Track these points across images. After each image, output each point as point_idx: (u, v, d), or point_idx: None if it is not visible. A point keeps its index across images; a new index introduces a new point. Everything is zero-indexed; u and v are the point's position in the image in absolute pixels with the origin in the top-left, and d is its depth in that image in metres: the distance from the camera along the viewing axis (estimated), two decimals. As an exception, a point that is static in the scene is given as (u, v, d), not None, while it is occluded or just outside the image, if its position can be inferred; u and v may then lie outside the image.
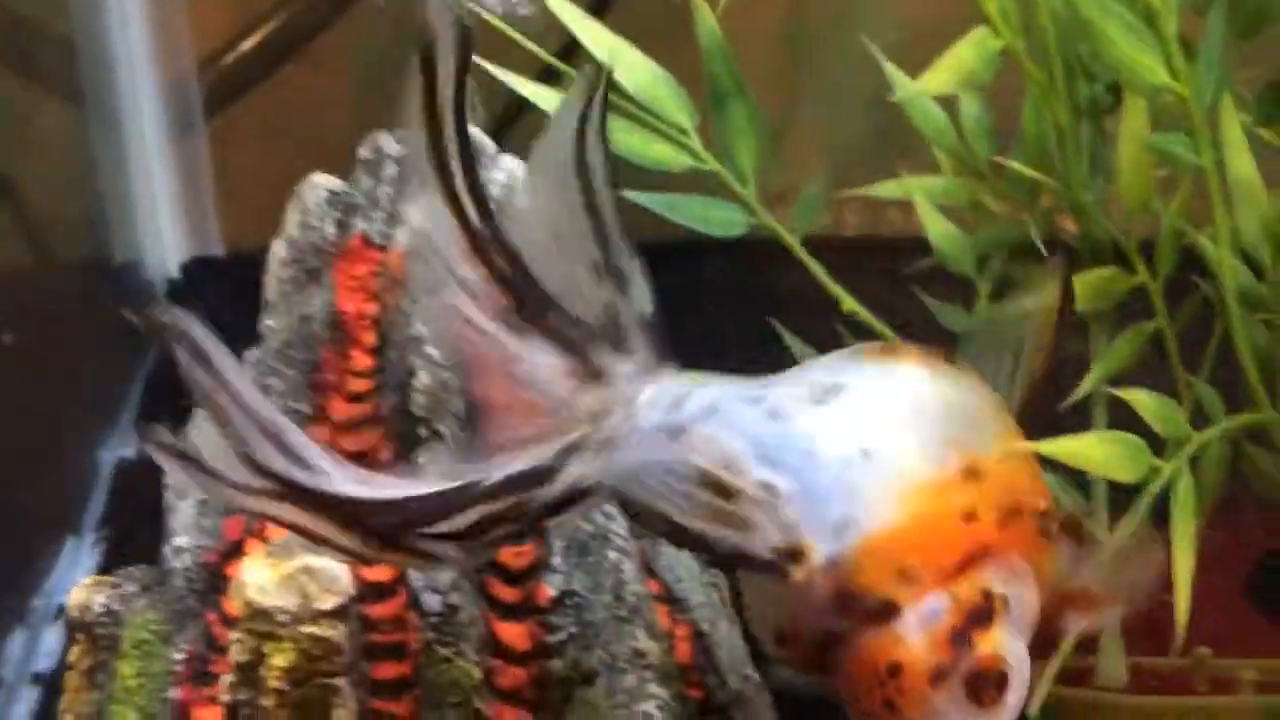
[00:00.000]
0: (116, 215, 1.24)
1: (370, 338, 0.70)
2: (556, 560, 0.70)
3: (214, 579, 0.70)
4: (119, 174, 1.23)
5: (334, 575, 0.68)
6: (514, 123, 0.93)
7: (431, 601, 0.68)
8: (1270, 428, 0.71)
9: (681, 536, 0.58)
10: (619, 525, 0.71)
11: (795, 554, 0.56)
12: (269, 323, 0.72)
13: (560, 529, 0.70)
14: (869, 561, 0.56)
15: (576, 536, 0.70)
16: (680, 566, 0.77)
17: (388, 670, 0.70)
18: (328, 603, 0.67)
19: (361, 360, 0.70)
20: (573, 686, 0.71)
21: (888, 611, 0.55)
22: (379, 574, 0.70)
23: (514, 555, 0.70)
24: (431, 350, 0.68)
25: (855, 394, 0.57)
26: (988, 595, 0.56)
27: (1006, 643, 0.55)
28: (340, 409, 0.71)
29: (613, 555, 0.71)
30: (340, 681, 0.69)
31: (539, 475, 0.58)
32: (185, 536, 0.71)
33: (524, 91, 0.75)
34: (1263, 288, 0.69)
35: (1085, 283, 0.71)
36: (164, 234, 1.25)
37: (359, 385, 0.70)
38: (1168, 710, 0.74)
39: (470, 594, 0.70)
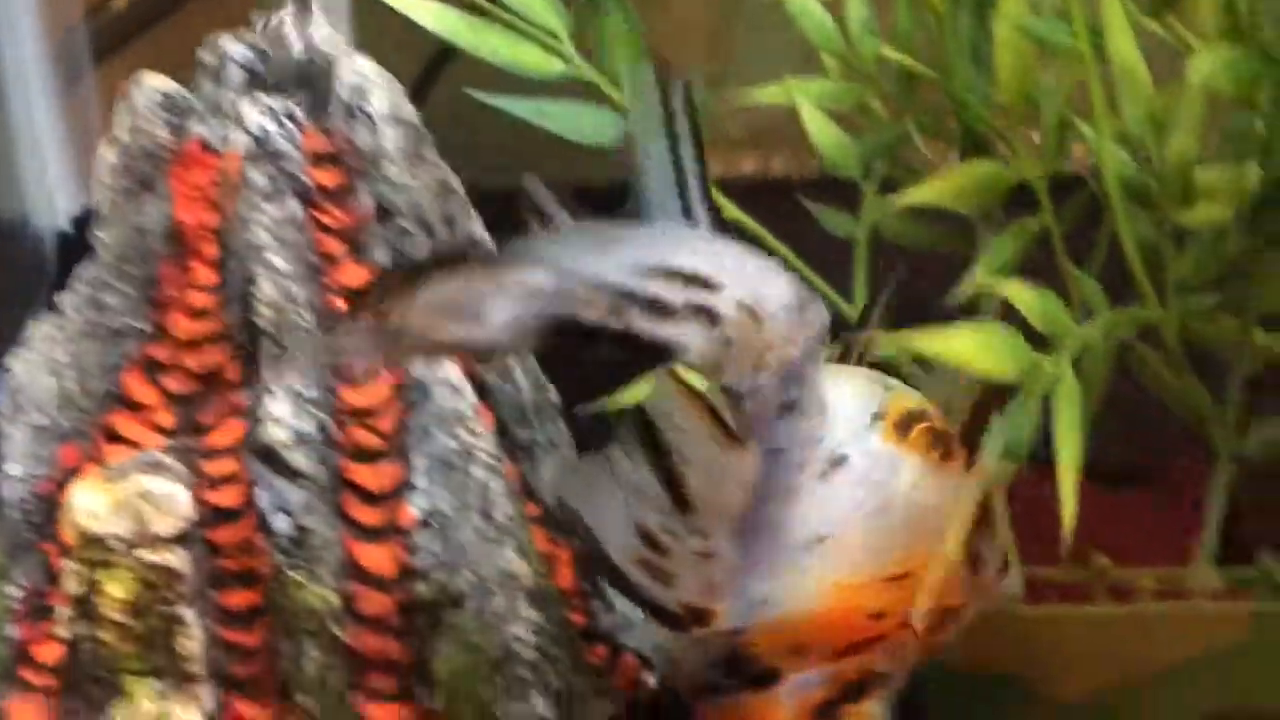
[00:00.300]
0: (1, 169, 1.20)
1: (211, 249, 0.65)
2: (419, 479, 0.66)
3: (50, 509, 0.64)
4: (2, 126, 1.18)
5: (173, 498, 0.64)
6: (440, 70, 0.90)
7: (281, 523, 0.63)
8: (1158, 324, 0.68)
9: (604, 569, 0.57)
10: (486, 442, 0.67)
11: (702, 616, 0.56)
12: (101, 235, 0.66)
13: (425, 448, 0.66)
14: (768, 636, 0.56)
15: (440, 454, 0.66)
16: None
17: (237, 598, 0.65)
18: (166, 527, 0.63)
19: (203, 274, 0.65)
20: (440, 611, 0.67)
21: (769, 678, 0.57)
22: (224, 497, 0.65)
23: (373, 474, 0.66)
24: (276, 259, 0.64)
25: (849, 477, 0.56)
26: (868, 674, 0.57)
27: (869, 716, 0.57)
28: (183, 326, 0.65)
29: (479, 474, 0.67)
30: (185, 611, 0.64)
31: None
32: (19, 465, 0.65)
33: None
34: (1148, 178, 0.66)
35: (966, 178, 0.68)
36: (52, 187, 1.20)
37: (201, 300, 0.65)
38: (1067, 619, 0.71)
39: (325, 515, 0.65)
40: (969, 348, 0.59)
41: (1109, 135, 0.65)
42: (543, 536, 0.71)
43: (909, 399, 0.58)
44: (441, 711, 0.67)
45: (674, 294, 0.51)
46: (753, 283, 0.52)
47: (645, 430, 0.55)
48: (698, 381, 0.55)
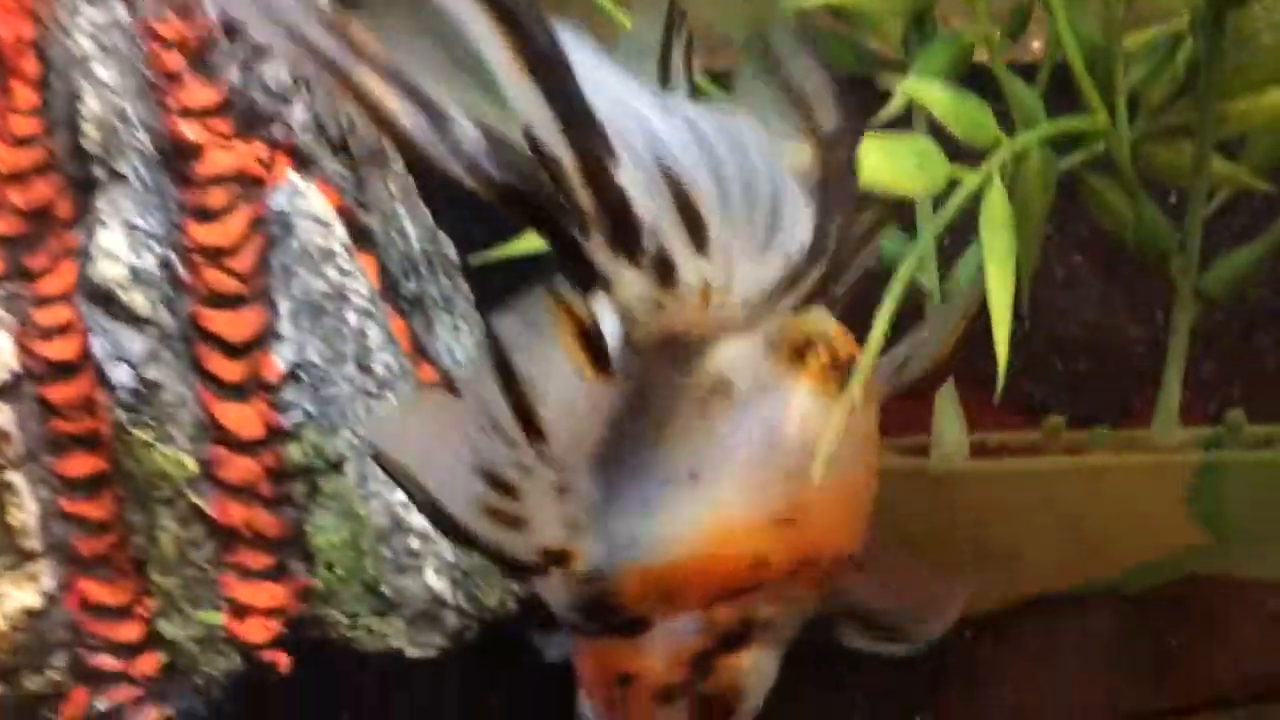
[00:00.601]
0: None
1: (32, 66, 0.56)
2: (284, 326, 0.58)
3: None
4: None
5: (-16, 344, 0.56)
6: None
7: (121, 374, 0.55)
8: (1106, 143, 0.62)
9: (442, 523, 0.47)
10: (360, 283, 0.59)
11: (560, 557, 0.48)
12: None
13: (290, 290, 0.58)
14: (635, 583, 0.49)
15: (308, 297, 0.59)
16: (459, 348, 0.66)
17: (79, 465, 0.57)
18: (-8, 375, 0.55)
19: (23, 95, 0.56)
20: (315, 476, 0.59)
21: (636, 626, 0.50)
22: (57, 349, 0.56)
23: (230, 322, 0.58)
24: (102, 70, 0.55)
25: (731, 409, 0.47)
26: (747, 623, 0.51)
27: (750, 668, 0.51)
28: (5, 157, 0.57)
29: (354, 318, 0.59)
30: (14, 477, 0.56)
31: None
32: None
33: None
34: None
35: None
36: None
37: (24, 126, 0.56)
38: (1012, 475, 0.65)
39: (175, 369, 0.57)
40: (879, 161, 0.51)
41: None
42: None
43: (808, 321, 0.49)
44: (321, 589, 0.60)
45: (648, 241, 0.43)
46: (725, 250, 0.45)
47: (497, 354, 0.46)
48: (579, 305, 0.47)
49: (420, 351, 0.63)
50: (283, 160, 0.58)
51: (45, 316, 0.56)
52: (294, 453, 0.58)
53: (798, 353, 0.48)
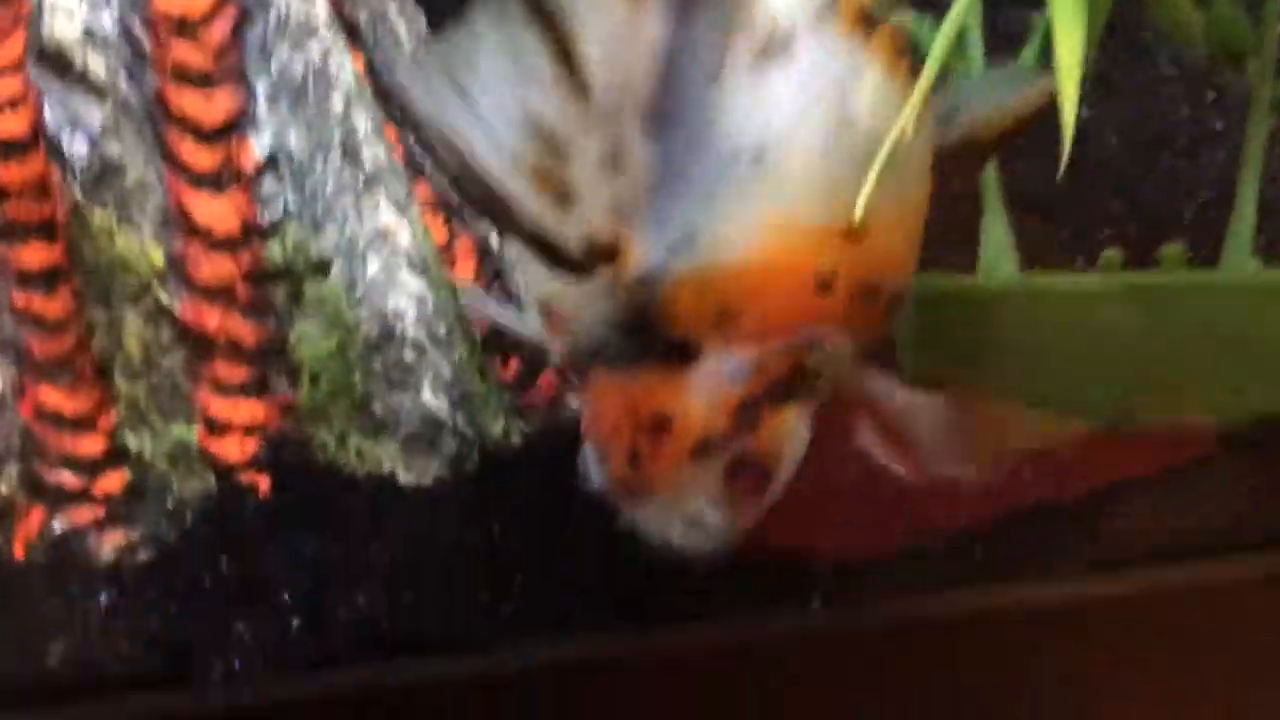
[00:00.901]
0: None
1: None
2: (261, 109, 0.52)
3: None
4: None
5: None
6: None
7: (78, 145, 0.49)
8: None
9: (476, 191, 0.42)
10: (346, 64, 0.53)
11: (609, 251, 0.42)
12: None
13: (268, 69, 0.51)
14: (690, 292, 0.44)
15: (288, 78, 0.52)
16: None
17: (33, 255, 0.50)
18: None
19: None
20: (299, 279, 0.53)
21: (685, 354, 0.44)
22: (6, 125, 0.50)
23: (202, 103, 0.52)
24: None
25: (795, 69, 0.42)
26: (799, 371, 0.45)
27: (793, 430, 0.45)
28: None
29: (339, 103, 0.53)
30: (-41, 266, 0.51)
31: None
32: None
33: None
34: None
35: None
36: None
37: None
38: (1068, 295, 0.58)
39: (140, 150, 0.51)
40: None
41: None
42: (437, 221, 0.57)
43: None
44: (304, 405, 0.55)
45: None
46: None
47: None
48: None
49: (415, 166, 0.57)
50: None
51: (-8, 87, 0.50)
52: (274, 252, 0.52)
53: (865, 20, 0.43)
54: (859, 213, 0.43)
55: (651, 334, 0.44)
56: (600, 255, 0.43)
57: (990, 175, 0.62)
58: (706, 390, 0.44)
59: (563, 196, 0.42)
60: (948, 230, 0.73)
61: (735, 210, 0.43)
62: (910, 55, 0.45)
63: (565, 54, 0.41)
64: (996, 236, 0.61)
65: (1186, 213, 0.72)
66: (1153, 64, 0.77)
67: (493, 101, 0.41)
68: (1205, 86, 0.74)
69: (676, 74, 0.42)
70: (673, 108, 0.42)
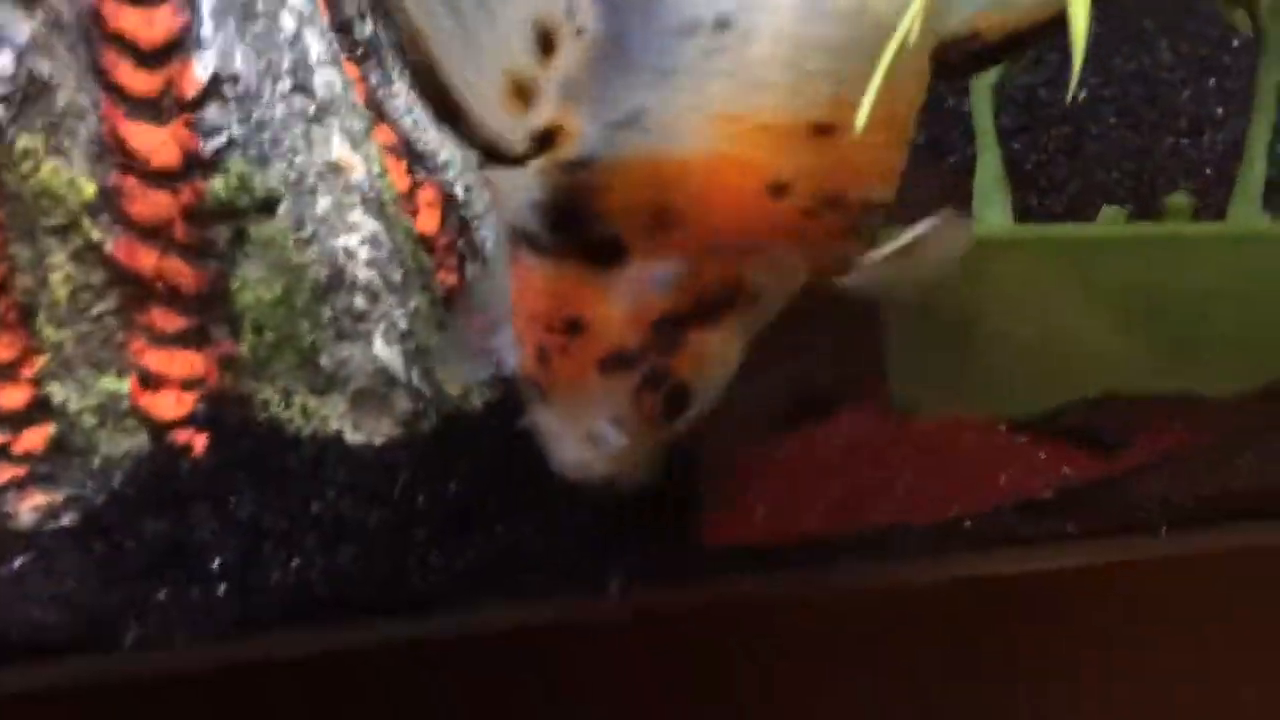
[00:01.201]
0: None
1: None
2: (205, 28, 0.47)
3: None
4: None
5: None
6: None
7: (3, 60, 0.44)
8: None
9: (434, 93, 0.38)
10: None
11: (549, 135, 0.38)
12: None
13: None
14: (627, 182, 0.39)
15: (234, -7, 0.48)
16: (420, 111, 0.55)
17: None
18: None
19: None
20: (243, 218, 0.49)
21: (611, 254, 0.40)
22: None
23: (140, 20, 0.48)
24: None
25: None
26: (736, 286, 0.40)
27: (718, 350, 0.41)
28: None
29: (290, 23, 0.49)
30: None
31: None
32: None
33: None
34: None
35: None
36: None
37: None
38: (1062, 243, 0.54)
39: (72, 71, 0.47)
40: None
41: None
42: (399, 167, 0.53)
43: None
44: (246, 357, 0.50)
45: None
46: None
47: None
48: None
49: (376, 107, 0.53)
50: None
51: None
52: (217, 187, 0.48)
53: None
54: (861, 120, 0.39)
55: (579, 227, 0.39)
56: (538, 143, 0.39)
57: (984, 110, 0.58)
58: (627, 297, 0.40)
59: (532, 97, 0.38)
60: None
61: (686, 91, 0.38)
62: None
63: None
64: (990, 177, 0.57)
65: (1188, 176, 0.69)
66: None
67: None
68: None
69: None
70: None
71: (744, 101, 0.38)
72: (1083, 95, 0.81)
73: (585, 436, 0.41)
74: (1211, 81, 0.80)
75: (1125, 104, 0.80)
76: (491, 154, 0.39)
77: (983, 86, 0.59)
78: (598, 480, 0.42)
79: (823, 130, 0.39)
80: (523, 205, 0.39)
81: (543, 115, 0.38)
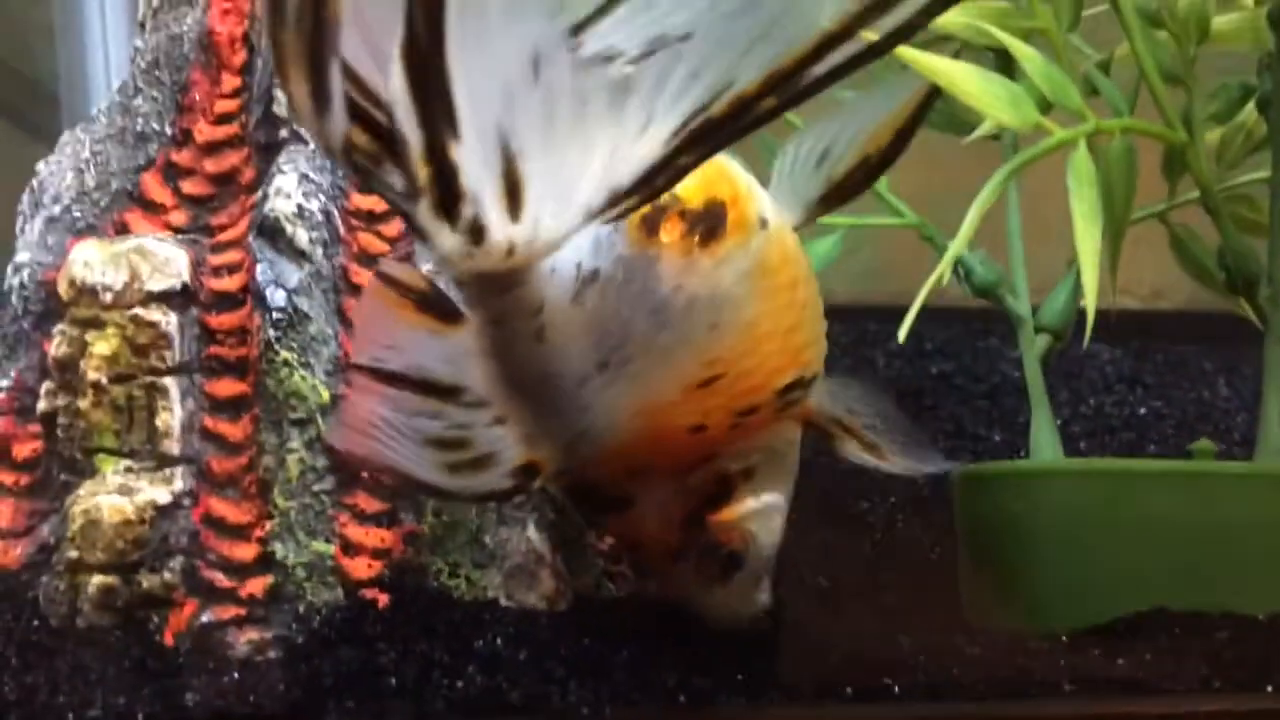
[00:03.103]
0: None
1: (240, 57, 0.64)
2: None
3: (51, 300, 0.60)
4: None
5: (169, 257, 0.60)
6: None
7: (277, 297, 0.58)
8: (1172, 141, 0.64)
9: (423, 488, 0.54)
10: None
11: (529, 470, 0.52)
12: (137, 43, 0.65)
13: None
14: (598, 468, 0.52)
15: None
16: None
17: (226, 387, 0.59)
18: (159, 283, 0.59)
19: (230, 81, 0.63)
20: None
21: (624, 502, 0.53)
22: (226, 283, 0.60)
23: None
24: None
25: (607, 292, 0.49)
26: (722, 478, 0.53)
27: (746, 515, 0.53)
28: (205, 131, 0.63)
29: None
30: (169, 381, 0.60)
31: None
32: (27, 252, 0.61)
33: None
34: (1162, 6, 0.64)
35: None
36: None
37: (226, 106, 0.63)
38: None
39: (323, 309, 0.60)
40: (977, 88, 0.55)
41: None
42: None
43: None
44: (427, 535, 0.61)
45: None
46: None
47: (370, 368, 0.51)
48: (408, 276, 0.51)
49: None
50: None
51: (220, 259, 0.61)
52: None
53: (649, 223, 0.49)
54: (903, 334, 0.50)
55: (589, 500, 0.53)
56: (525, 476, 0.51)
57: (1036, 375, 0.68)
58: (651, 518, 0.52)
59: (478, 464, 0.51)
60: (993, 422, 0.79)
61: (603, 407, 0.50)
62: (712, 216, 0.49)
63: (422, 384, 0.51)
64: (1043, 428, 0.66)
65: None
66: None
67: (401, 439, 0.51)
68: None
69: (510, 347, 0.49)
70: (522, 367, 0.49)
71: (639, 397, 0.50)
72: (1143, 411, 0.91)
73: (703, 607, 0.54)
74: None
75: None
76: (496, 498, 0.55)
77: (1032, 359, 0.69)
78: (741, 626, 0.54)
79: (707, 381, 0.50)
80: (566, 504, 0.54)
81: (509, 462, 0.51)
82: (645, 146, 0.44)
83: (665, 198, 0.49)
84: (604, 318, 0.49)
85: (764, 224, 0.50)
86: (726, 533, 0.52)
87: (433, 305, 0.50)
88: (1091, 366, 0.96)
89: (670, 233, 0.49)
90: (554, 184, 0.45)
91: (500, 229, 0.45)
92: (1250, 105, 0.65)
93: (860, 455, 0.55)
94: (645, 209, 0.48)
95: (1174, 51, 0.63)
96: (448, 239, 0.45)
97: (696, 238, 0.49)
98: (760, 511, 0.53)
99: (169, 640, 0.57)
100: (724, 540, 0.52)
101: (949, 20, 0.64)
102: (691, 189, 0.49)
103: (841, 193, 0.53)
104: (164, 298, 0.58)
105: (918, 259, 0.70)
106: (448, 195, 0.44)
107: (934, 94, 0.54)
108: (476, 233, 0.45)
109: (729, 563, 0.52)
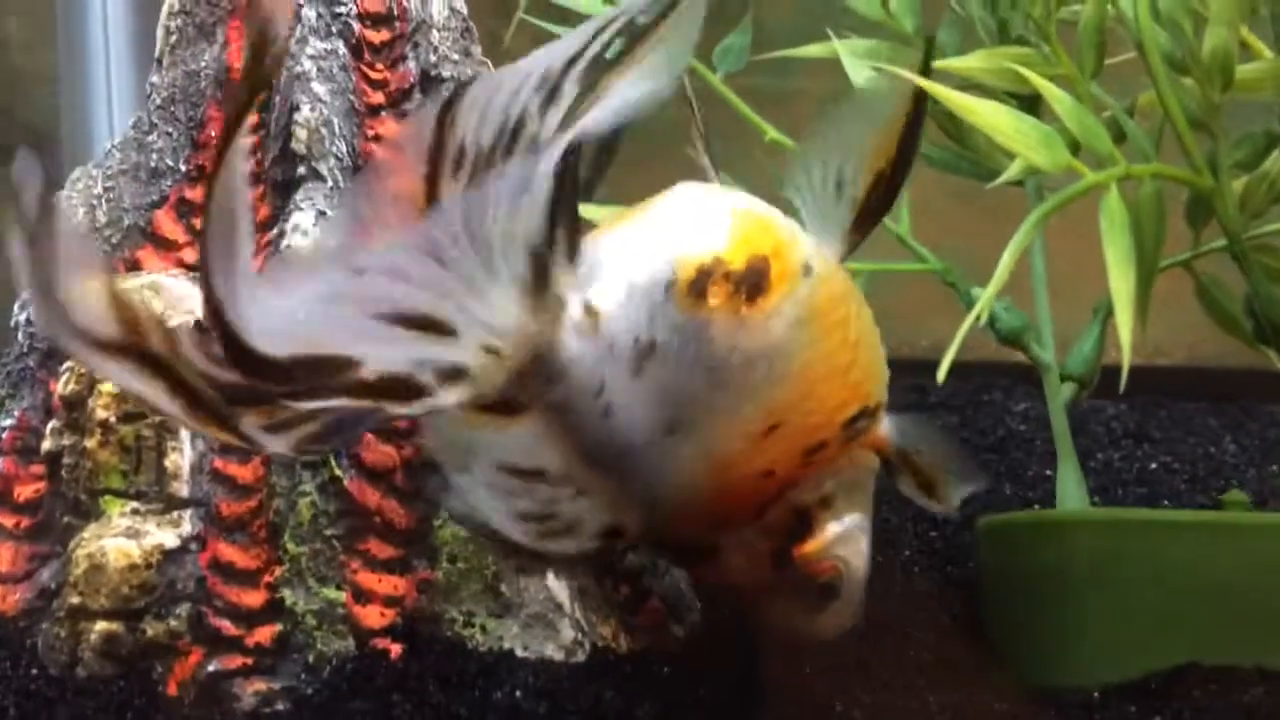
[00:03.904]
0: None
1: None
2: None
3: None
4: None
5: (183, 294, 0.58)
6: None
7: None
8: (1199, 188, 0.63)
9: (500, 544, 0.52)
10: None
11: (615, 533, 0.52)
12: (154, 79, 0.64)
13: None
14: (679, 524, 0.52)
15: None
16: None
17: (238, 427, 0.58)
18: (171, 319, 0.57)
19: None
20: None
21: (711, 551, 0.53)
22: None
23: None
24: (318, 87, 0.61)
25: (663, 364, 0.49)
26: (800, 511, 0.53)
27: (832, 542, 0.53)
28: None
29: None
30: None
31: (406, 391, 0.46)
32: None
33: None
34: (1186, 54, 0.63)
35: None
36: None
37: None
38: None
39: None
40: (1010, 128, 0.54)
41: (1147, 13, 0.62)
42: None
43: (697, 251, 0.49)
44: (441, 583, 0.58)
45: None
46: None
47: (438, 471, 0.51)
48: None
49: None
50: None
51: (231, 296, 0.60)
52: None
53: (697, 288, 0.49)
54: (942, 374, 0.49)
55: (677, 552, 0.54)
56: (612, 537, 0.51)
57: (1063, 425, 0.66)
58: (738, 560, 0.52)
59: (567, 530, 0.50)
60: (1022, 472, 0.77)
61: (676, 468, 0.50)
62: (755, 274, 0.49)
63: (511, 470, 0.50)
64: (1069, 478, 0.65)
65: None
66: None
67: (501, 510, 0.50)
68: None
69: (578, 426, 0.49)
70: (596, 443, 0.49)
71: (709, 453, 0.50)
72: (1153, 466, 0.89)
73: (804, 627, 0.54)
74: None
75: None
76: (588, 559, 0.55)
77: (1059, 408, 0.67)
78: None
79: (771, 429, 0.50)
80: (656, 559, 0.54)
81: (596, 526, 0.50)
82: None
83: (709, 260, 0.49)
84: (665, 386, 0.49)
85: (808, 270, 0.50)
86: (816, 565, 0.52)
87: (490, 406, 0.49)
88: (1096, 421, 0.95)
89: (717, 295, 0.49)
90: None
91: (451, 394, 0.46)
92: (1276, 154, 0.65)
93: (915, 493, 0.54)
94: (690, 274, 0.49)
95: (1198, 97, 0.63)
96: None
97: (743, 297, 0.49)
98: (845, 536, 0.52)
99: (173, 690, 0.54)
100: (816, 572, 0.52)
101: (972, 65, 0.63)
102: (733, 249, 0.50)
103: (871, 213, 0.53)
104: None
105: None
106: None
107: (923, 97, 0.53)
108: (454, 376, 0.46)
109: (825, 593, 0.52)
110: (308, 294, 0.44)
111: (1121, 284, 0.54)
